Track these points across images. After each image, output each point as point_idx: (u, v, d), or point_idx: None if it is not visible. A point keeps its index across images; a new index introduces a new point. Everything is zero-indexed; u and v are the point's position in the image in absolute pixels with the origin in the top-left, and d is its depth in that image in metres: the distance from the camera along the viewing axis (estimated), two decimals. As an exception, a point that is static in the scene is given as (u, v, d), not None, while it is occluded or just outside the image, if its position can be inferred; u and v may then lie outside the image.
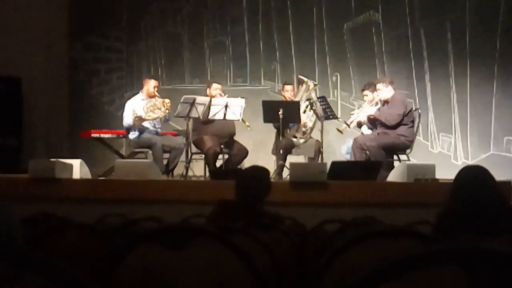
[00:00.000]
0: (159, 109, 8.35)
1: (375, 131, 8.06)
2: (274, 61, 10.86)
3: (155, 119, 8.39)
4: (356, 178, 6.80)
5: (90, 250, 2.66)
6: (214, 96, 8.40)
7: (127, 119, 8.37)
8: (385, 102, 8.02)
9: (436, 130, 10.05)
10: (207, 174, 8.19)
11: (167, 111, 8.37)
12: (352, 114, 8.37)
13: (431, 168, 6.92)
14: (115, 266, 2.10)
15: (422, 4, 10.25)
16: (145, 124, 8.39)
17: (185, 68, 11.19)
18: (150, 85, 8.53)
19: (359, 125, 8.38)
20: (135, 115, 8.21)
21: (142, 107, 8.35)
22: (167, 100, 8.40)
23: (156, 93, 8.47)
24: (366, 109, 8.17)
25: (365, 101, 8.38)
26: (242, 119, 8.28)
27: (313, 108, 8.12)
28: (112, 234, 2.78)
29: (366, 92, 8.41)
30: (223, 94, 8.52)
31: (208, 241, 2.17)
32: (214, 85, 8.65)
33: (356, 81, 10.31)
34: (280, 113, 7.87)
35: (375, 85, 8.32)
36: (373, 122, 8.08)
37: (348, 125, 8.11)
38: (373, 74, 10.15)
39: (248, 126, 8.34)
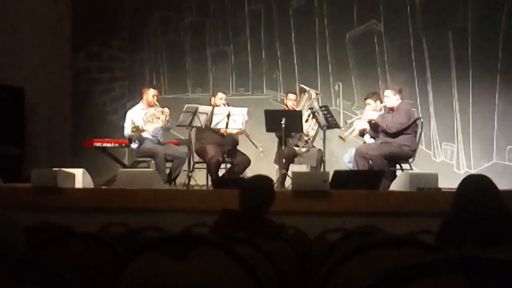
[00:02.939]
0: (158, 118, 8.36)
1: (377, 139, 8.06)
2: (276, 70, 10.88)
3: (154, 129, 8.39)
4: (358, 187, 6.79)
5: (93, 259, 2.65)
6: (218, 106, 8.42)
7: (127, 130, 8.39)
8: (390, 110, 8.02)
9: (438, 139, 10.04)
10: (210, 183, 8.19)
11: (167, 118, 8.38)
12: (352, 121, 8.40)
13: (434, 177, 6.90)
14: (117, 275, 2.10)
15: (424, 13, 10.26)
16: (145, 134, 8.39)
17: (187, 77, 11.21)
18: (149, 94, 8.55)
19: (361, 134, 8.38)
20: (133, 125, 8.22)
21: (141, 117, 8.36)
22: (166, 110, 8.41)
23: (155, 102, 8.49)
24: (369, 113, 8.15)
25: (365, 110, 8.38)
26: (254, 143, 8.30)
27: (315, 117, 8.13)
28: (114, 243, 2.77)
29: (369, 101, 8.41)
30: (227, 104, 8.53)
31: (211, 251, 2.17)
32: (220, 95, 8.66)
33: (358, 90, 10.32)
34: (282, 122, 7.88)
35: (378, 94, 8.33)
36: (375, 128, 8.07)
37: (348, 124, 8.13)
38: (375, 83, 10.16)
39: (262, 152, 8.33)
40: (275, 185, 7.55)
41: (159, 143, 8.53)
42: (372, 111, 8.20)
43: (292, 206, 6.40)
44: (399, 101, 8.00)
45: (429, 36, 10.23)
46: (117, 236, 3.79)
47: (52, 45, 10.98)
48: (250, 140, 8.39)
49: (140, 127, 8.26)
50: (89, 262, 2.63)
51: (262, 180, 4.17)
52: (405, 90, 9.86)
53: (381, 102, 8.27)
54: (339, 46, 10.60)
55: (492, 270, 1.16)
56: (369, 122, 8.11)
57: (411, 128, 7.90)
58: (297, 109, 8.38)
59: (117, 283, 2.10)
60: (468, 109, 9.94)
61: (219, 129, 8.29)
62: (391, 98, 7.97)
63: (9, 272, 1.27)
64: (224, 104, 8.50)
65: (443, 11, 10.22)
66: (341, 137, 8.08)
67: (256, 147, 8.36)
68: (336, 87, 10.55)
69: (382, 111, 8.10)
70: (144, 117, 8.37)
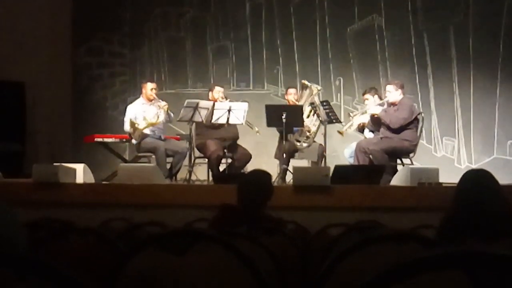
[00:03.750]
0: (157, 115, 8.36)
1: (376, 133, 8.06)
2: (277, 65, 10.87)
3: (153, 124, 8.38)
4: (359, 182, 6.79)
5: (94, 254, 2.66)
6: (216, 100, 8.42)
7: (127, 125, 8.42)
8: (392, 104, 8.01)
9: (439, 134, 10.04)
10: (211, 178, 8.19)
11: (166, 111, 8.37)
12: (351, 113, 8.41)
13: (435, 172, 6.90)
14: (118, 271, 2.11)
15: (425, 8, 10.25)
16: (145, 131, 8.40)
17: (188, 72, 11.20)
18: (147, 88, 8.56)
19: (361, 129, 8.37)
20: (131, 123, 8.24)
21: (141, 114, 8.36)
22: (162, 103, 8.41)
23: (154, 96, 8.50)
24: (372, 107, 8.14)
25: (366, 105, 8.38)
26: (249, 124, 8.31)
27: (316, 112, 8.12)
28: (115, 238, 2.78)
29: (367, 96, 8.42)
30: (225, 97, 8.54)
31: (211, 246, 2.17)
32: (217, 88, 8.67)
33: (359, 85, 10.31)
34: (283, 117, 7.88)
35: (376, 89, 8.33)
36: (376, 122, 8.06)
37: (352, 117, 8.12)
38: (376, 78, 10.16)
39: (258, 131, 8.38)
40: (276, 180, 7.56)
41: (159, 138, 8.54)
42: (374, 105, 8.19)
43: (293, 201, 6.40)
44: (401, 96, 8.01)
45: (430, 31, 10.22)
46: (117, 232, 3.79)
47: (53, 41, 10.97)
48: (247, 123, 8.40)
49: (136, 125, 8.27)
50: (90, 258, 2.63)
51: (260, 175, 4.16)
52: (406, 85, 9.83)
53: (379, 97, 8.27)
54: (340, 41, 10.59)
55: (492, 265, 1.16)
56: (372, 116, 8.10)
57: (413, 123, 7.91)
58: (298, 104, 8.38)
59: (118, 278, 2.10)
60: (469, 104, 9.93)
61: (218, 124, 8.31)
62: (393, 93, 7.97)
63: (9, 269, 1.27)
64: (222, 97, 8.51)
65: (444, 5, 10.21)
66: (339, 132, 8.08)
67: (252, 128, 8.38)
68: (337, 82, 10.54)
69: (385, 106, 8.10)
70: (144, 114, 8.37)
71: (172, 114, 8.52)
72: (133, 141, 8.49)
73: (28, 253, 1.25)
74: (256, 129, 8.38)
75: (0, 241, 1.62)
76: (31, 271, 1.22)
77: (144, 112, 8.40)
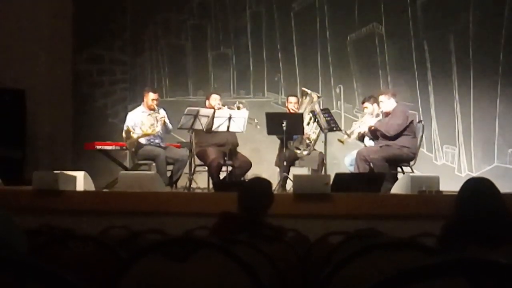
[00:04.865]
0: (154, 125, 8.37)
1: (376, 142, 8.07)
2: (278, 73, 10.87)
3: (148, 135, 8.38)
4: (359, 190, 6.79)
5: (94, 262, 2.65)
6: (213, 107, 8.42)
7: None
8: (387, 114, 8.03)
9: (439, 142, 10.04)
10: (211, 186, 8.19)
11: (162, 120, 8.38)
12: (355, 123, 8.39)
13: (435, 180, 6.90)
14: (119, 278, 2.10)
15: (425, 16, 10.26)
16: (142, 141, 8.40)
17: (188, 79, 11.21)
18: (149, 98, 8.56)
19: (361, 137, 8.37)
20: (127, 131, 8.25)
21: (139, 123, 8.36)
22: (160, 116, 8.40)
23: (155, 106, 8.49)
24: (368, 120, 8.16)
25: (365, 113, 8.39)
26: (249, 119, 8.31)
27: (317, 120, 8.13)
28: (116, 246, 2.77)
29: (366, 104, 8.43)
30: (221, 105, 8.53)
31: (211, 253, 2.17)
32: (213, 96, 8.69)
33: (360, 93, 10.31)
34: (283, 125, 7.88)
35: (375, 98, 8.34)
36: (374, 133, 8.08)
37: (349, 135, 8.11)
38: (377, 86, 10.15)
39: (257, 123, 8.37)
40: (276, 188, 7.56)
41: (160, 146, 8.54)
42: (369, 115, 8.20)
43: (293, 209, 6.40)
44: (394, 104, 8.03)
45: (430, 38, 10.23)
46: (118, 239, 3.79)
47: (54, 48, 10.98)
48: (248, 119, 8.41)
49: (132, 133, 8.28)
50: (90, 265, 2.63)
51: (260, 183, 4.16)
52: (406, 93, 9.89)
53: (378, 105, 8.28)
54: (340, 48, 10.60)
55: (493, 273, 1.16)
56: (369, 128, 8.11)
57: (409, 128, 7.91)
58: (299, 112, 8.38)
59: (118, 286, 2.10)
60: (469, 112, 9.93)
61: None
62: (386, 103, 8.00)
63: (10, 274, 1.27)
64: (219, 104, 8.51)
65: (444, 13, 10.22)
66: (340, 140, 8.08)
67: (251, 123, 8.37)
68: (338, 90, 10.55)
69: (380, 117, 8.11)
70: (141, 124, 8.38)
71: (170, 126, 8.53)
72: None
73: (29, 258, 1.25)
74: (256, 120, 8.39)
75: (1, 245, 1.63)
76: (32, 276, 1.22)
77: (141, 122, 8.40)
